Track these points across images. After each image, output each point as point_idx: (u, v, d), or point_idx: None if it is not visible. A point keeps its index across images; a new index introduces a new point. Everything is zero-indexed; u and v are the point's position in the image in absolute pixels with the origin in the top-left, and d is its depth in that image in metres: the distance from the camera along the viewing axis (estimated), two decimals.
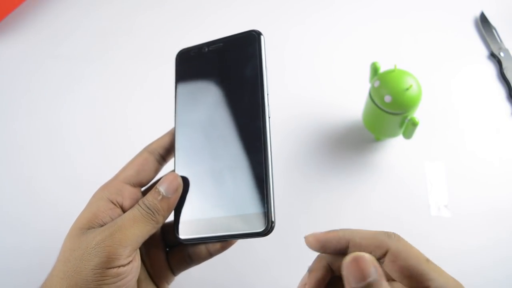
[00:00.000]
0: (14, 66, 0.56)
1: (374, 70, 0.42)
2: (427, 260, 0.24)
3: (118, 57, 0.56)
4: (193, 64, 0.32)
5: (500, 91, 0.50)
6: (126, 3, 0.61)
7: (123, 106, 0.52)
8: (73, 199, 0.45)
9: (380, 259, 0.24)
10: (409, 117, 0.41)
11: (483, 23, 0.55)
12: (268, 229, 0.26)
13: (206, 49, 0.32)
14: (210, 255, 0.30)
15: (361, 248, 0.24)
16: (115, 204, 0.28)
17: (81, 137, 0.49)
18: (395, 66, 0.41)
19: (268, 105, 0.28)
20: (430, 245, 0.41)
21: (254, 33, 0.30)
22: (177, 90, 0.32)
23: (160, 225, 0.28)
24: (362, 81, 0.47)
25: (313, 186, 0.45)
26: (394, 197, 0.44)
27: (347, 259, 0.21)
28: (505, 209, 0.43)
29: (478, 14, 0.56)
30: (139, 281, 0.28)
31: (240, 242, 0.31)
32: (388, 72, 0.41)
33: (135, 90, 0.53)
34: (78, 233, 0.26)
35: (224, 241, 0.29)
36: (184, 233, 0.28)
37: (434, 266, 0.24)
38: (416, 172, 0.45)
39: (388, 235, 0.25)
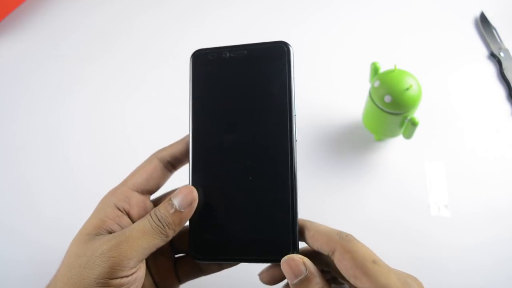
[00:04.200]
0: (14, 66, 0.56)
1: (374, 70, 0.42)
2: (374, 261, 0.24)
3: (118, 57, 0.56)
4: (212, 69, 0.29)
5: (500, 91, 0.50)
6: (126, 3, 0.61)
7: (122, 106, 0.52)
8: (71, 202, 0.45)
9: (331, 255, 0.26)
10: (409, 117, 0.41)
11: (483, 23, 0.55)
12: None
13: (228, 55, 0.29)
14: (221, 267, 0.30)
15: (312, 240, 0.26)
16: (122, 211, 0.27)
17: (81, 138, 0.49)
18: (395, 66, 0.41)
19: (295, 127, 0.27)
20: (430, 245, 0.41)
21: (283, 45, 0.28)
22: (193, 96, 0.29)
23: (169, 239, 0.27)
24: (362, 81, 0.47)
25: (313, 186, 0.45)
26: (394, 197, 0.44)
27: (282, 261, 0.26)
28: (505, 209, 0.42)
29: (478, 14, 0.56)
30: None
31: None
32: (388, 72, 0.41)
33: (135, 90, 0.53)
34: (85, 238, 0.26)
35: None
36: (200, 253, 0.27)
37: (379, 267, 0.24)
38: (416, 172, 0.45)
39: (340, 234, 0.26)
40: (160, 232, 0.26)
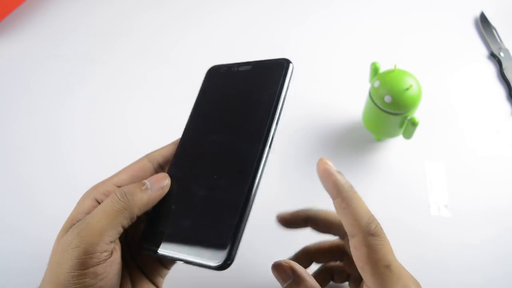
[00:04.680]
0: (14, 66, 0.56)
1: (374, 70, 0.42)
2: (387, 266, 0.24)
3: (118, 57, 0.56)
4: (217, 81, 0.32)
5: (500, 91, 0.50)
6: (126, 3, 0.61)
7: (122, 106, 0.52)
8: (72, 201, 0.45)
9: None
10: (409, 117, 0.41)
11: (483, 23, 0.55)
12: (223, 266, 0.24)
13: (236, 69, 0.31)
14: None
15: (341, 212, 0.26)
16: (99, 203, 0.27)
17: (81, 138, 0.49)
18: (395, 66, 0.41)
19: (272, 135, 0.26)
20: (430, 244, 0.41)
21: (283, 61, 0.29)
22: (196, 102, 0.32)
23: (133, 216, 0.26)
24: (362, 81, 0.47)
25: (313, 186, 0.45)
26: (394, 197, 0.44)
27: (271, 267, 0.28)
28: (505, 208, 0.43)
29: (478, 14, 0.56)
30: (134, 282, 0.28)
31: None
32: (388, 72, 0.41)
33: (135, 90, 0.53)
34: (61, 234, 0.26)
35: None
36: (146, 243, 0.27)
37: (390, 274, 0.24)
38: (416, 172, 0.45)
39: (369, 222, 0.25)
40: (124, 208, 0.25)
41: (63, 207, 0.44)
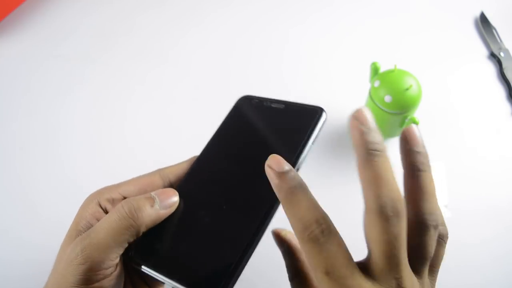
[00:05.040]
0: (14, 66, 0.56)
1: (374, 70, 0.42)
2: (326, 273, 0.22)
3: (118, 57, 0.56)
4: (247, 112, 0.32)
5: (500, 91, 0.50)
6: (126, 3, 0.61)
7: (123, 106, 0.52)
8: (71, 203, 0.44)
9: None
10: (409, 117, 0.41)
11: (483, 23, 0.55)
12: None
13: (268, 104, 0.31)
14: None
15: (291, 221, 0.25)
16: (103, 209, 0.27)
17: (80, 138, 0.49)
18: (395, 66, 0.41)
19: None
20: None
21: (318, 109, 0.29)
22: (220, 127, 0.31)
23: (139, 232, 0.25)
24: (362, 81, 0.47)
25: (313, 186, 0.45)
26: None
27: (272, 232, 0.29)
28: (505, 207, 0.43)
29: (478, 14, 0.56)
30: None
31: None
32: (388, 72, 0.41)
33: (135, 90, 0.53)
34: (67, 241, 0.25)
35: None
36: (138, 254, 0.26)
37: (330, 282, 0.22)
38: None
39: (304, 228, 0.23)
40: (131, 225, 0.24)
41: (62, 208, 0.44)
